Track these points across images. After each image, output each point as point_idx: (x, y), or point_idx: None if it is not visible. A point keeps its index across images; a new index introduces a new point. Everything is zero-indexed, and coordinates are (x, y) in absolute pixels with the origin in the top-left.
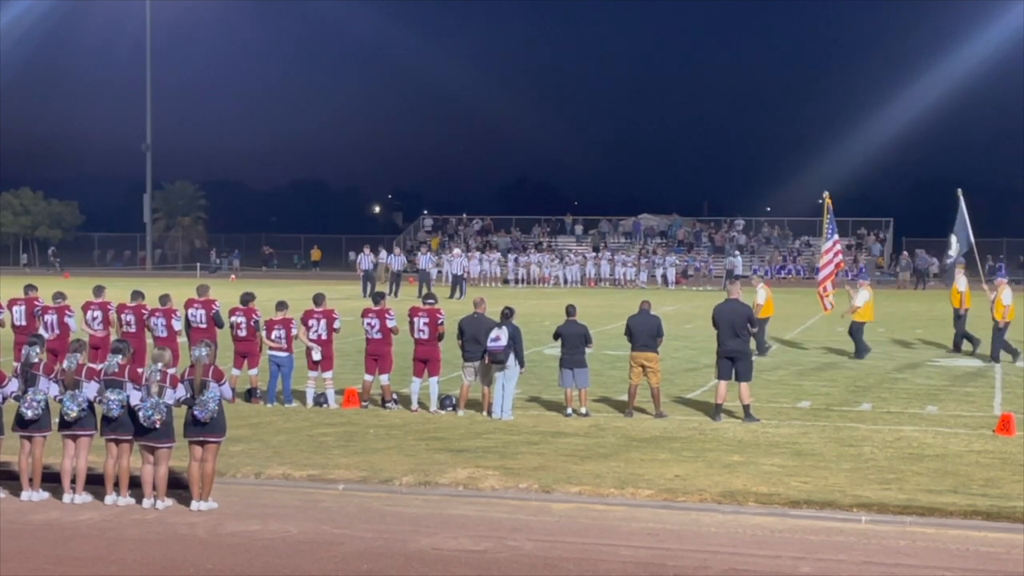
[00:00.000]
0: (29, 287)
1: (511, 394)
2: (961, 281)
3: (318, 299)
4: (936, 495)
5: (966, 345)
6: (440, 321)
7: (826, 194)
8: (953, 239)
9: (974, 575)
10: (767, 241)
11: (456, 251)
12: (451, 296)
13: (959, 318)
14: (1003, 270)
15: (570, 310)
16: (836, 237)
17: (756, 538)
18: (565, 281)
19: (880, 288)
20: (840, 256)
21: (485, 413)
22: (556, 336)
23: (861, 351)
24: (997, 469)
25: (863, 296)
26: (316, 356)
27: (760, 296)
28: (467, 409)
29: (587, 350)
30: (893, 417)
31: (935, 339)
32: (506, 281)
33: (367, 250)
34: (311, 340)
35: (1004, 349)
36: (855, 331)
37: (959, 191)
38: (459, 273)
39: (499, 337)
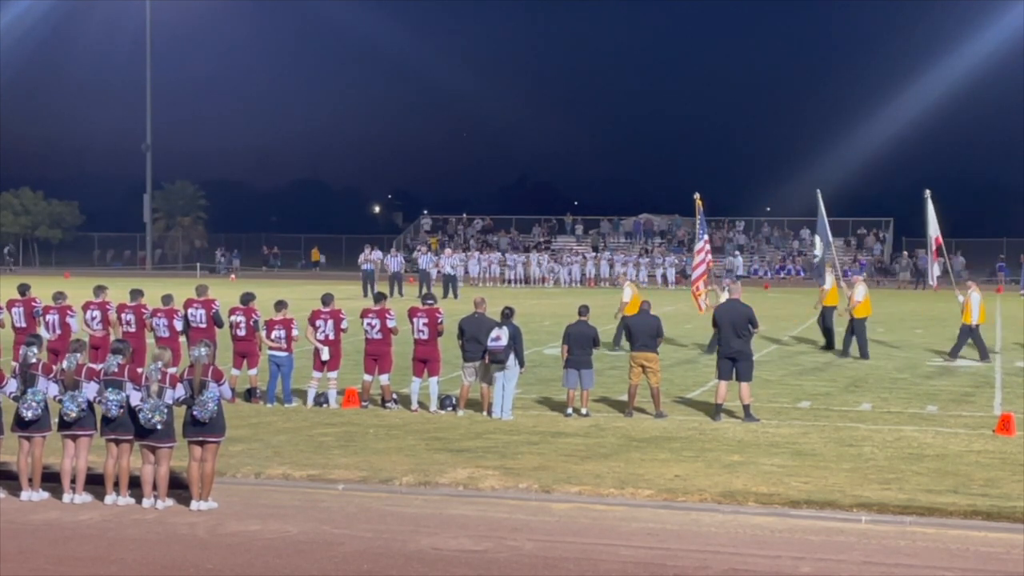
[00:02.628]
0: (25, 288)
1: (511, 394)
2: (828, 280)
3: (326, 299)
4: (936, 495)
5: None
6: (439, 321)
7: (697, 196)
8: (817, 240)
9: (974, 575)
10: (767, 241)
11: (448, 251)
12: (444, 296)
13: (824, 314)
14: (1005, 269)
15: (582, 311)
16: (706, 237)
17: (756, 538)
18: (565, 281)
19: (880, 288)
20: (710, 256)
21: (485, 413)
22: (565, 336)
23: (712, 346)
24: (997, 469)
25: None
26: (325, 356)
27: (626, 295)
28: (467, 409)
29: (594, 351)
30: (893, 417)
31: (935, 339)
32: (505, 281)
33: (368, 250)
34: (318, 341)
35: (859, 345)
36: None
37: (818, 192)
38: (451, 273)
39: (499, 337)
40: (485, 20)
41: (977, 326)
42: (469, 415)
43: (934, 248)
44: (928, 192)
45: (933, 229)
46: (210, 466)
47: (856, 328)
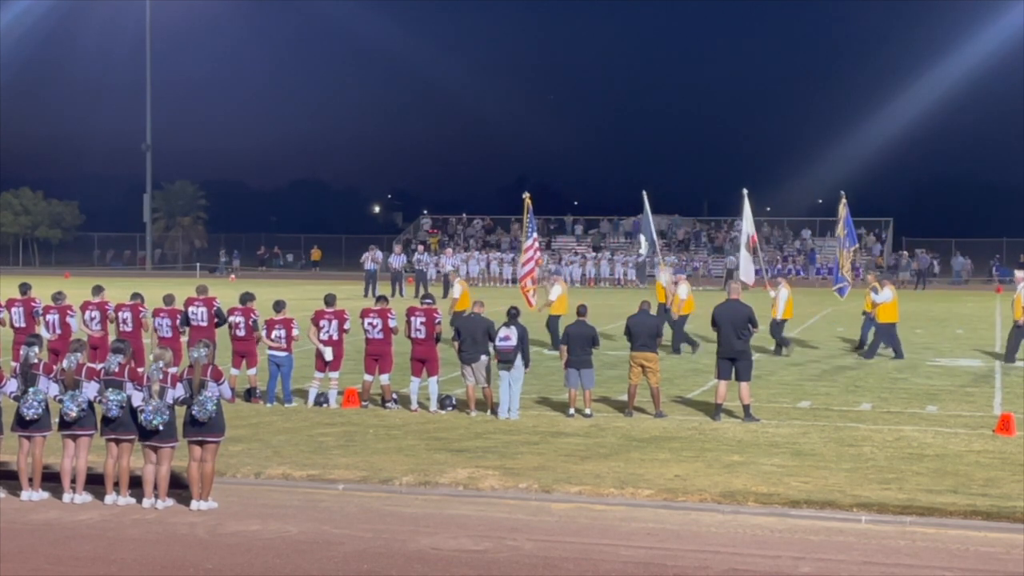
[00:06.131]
0: (26, 287)
1: (517, 393)
2: (664, 277)
3: (330, 299)
4: (936, 495)
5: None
6: (437, 321)
7: (526, 195)
8: (642, 239)
9: (974, 575)
10: (767, 241)
11: (448, 250)
12: (444, 296)
13: (666, 311)
14: (1002, 270)
15: (581, 310)
16: (535, 235)
17: (756, 538)
18: (564, 281)
19: None
20: (539, 254)
21: (489, 413)
22: (564, 336)
23: (557, 343)
24: (997, 469)
25: (556, 291)
26: (328, 357)
27: (456, 291)
28: (476, 410)
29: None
30: (893, 417)
31: (936, 339)
32: (505, 281)
33: (372, 250)
34: (321, 341)
35: (685, 341)
36: (551, 324)
37: (644, 193)
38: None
39: (509, 337)
40: (484, 20)
41: (783, 321)
42: (468, 414)
43: (750, 246)
44: (745, 191)
45: (749, 226)
46: (210, 466)
47: (676, 324)
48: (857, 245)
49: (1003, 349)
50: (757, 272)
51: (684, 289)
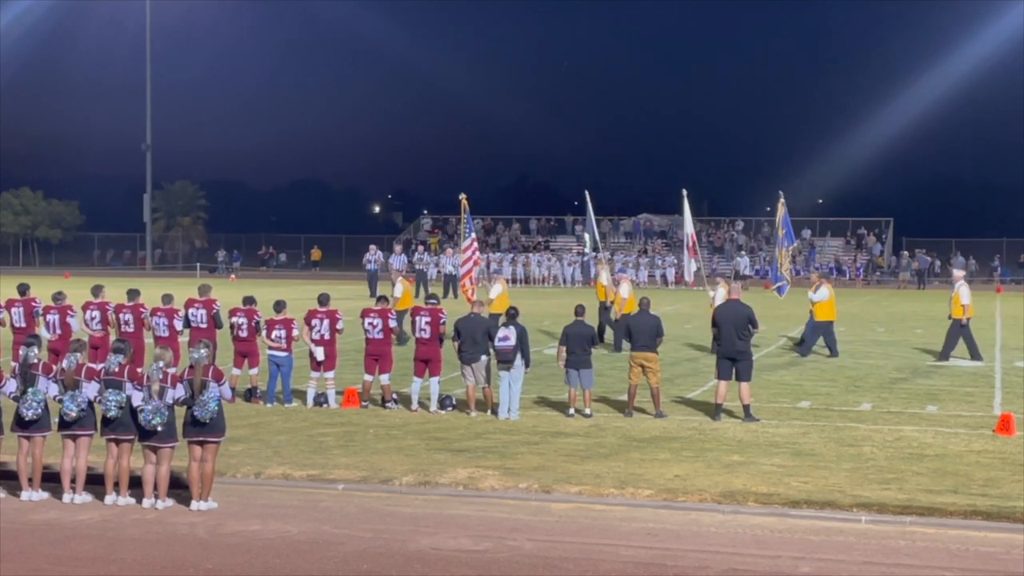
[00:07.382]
0: (24, 287)
1: (517, 394)
2: (604, 275)
3: (323, 299)
4: (936, 495)
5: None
6: (442, 321)
7: (462, 196)
8: (587, 237)
9: (974, 575)
10: (767, 241)
11: (449, 250)
12: (444, 296)
13: (605, 310)
14: (1005, 272)
15: (579, 310)
16: (473, 235)
17: (756, 538)
18: (565, 281)
19: (881, 288)
20: (477, 253)
21: (489, 413)
22: (563, 336)
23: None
24: (997, 469)
25: (496, 290)
26: (319, 357)
27: (399, 291)
28: (468, 409)
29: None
30: (893, 417)
31: (936, 339)
32: (506, 280)
33: (372, 250)
34: (314, 340)
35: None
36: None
37: (586, 193)
38: (452, 272)
39: (508, 337)
40: (485, 20)
41: None
42: (468, 414)
43: (690, 245)
44: (685, 191)
45: (689, 227)
46: (210, 466)
47: (616, 323)
48: (796, 243)
49: (1002, 350)
50: (696, 271)
51: (625, 288)
